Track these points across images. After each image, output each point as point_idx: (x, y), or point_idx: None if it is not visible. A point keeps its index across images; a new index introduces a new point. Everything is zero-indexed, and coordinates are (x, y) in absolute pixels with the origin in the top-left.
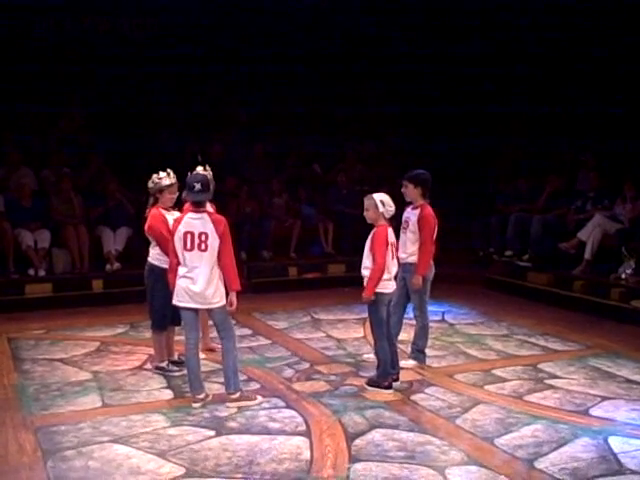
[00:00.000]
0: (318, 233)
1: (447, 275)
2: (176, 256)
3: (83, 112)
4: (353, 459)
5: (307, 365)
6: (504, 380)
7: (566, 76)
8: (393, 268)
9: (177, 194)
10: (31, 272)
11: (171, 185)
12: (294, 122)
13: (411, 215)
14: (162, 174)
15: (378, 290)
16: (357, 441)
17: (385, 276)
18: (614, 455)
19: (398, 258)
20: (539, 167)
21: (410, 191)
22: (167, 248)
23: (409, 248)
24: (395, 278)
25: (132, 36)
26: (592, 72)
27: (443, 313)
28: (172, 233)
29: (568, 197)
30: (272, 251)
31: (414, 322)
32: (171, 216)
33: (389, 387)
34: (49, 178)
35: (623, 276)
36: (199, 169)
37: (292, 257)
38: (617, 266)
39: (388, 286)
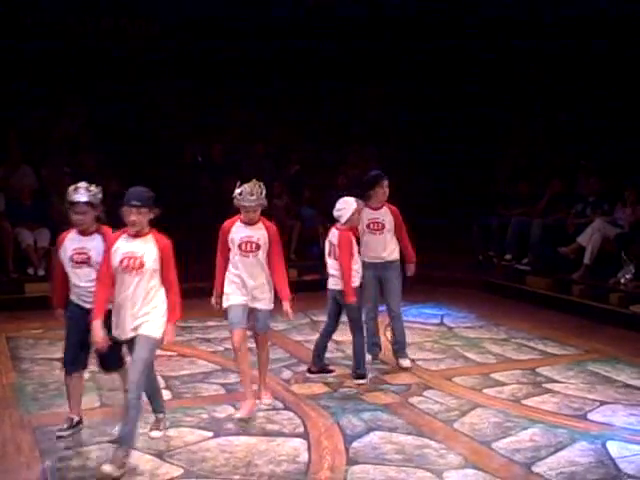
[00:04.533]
0: (318, 235)
1: (446, 278)
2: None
3: (84, 111)
4: (351, 461)
5: (305, 367)
6: (502, 384)
7: (568, 79)
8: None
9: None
10: (30, 271)
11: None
12: (295, 124)
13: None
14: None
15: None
16: (355, 443)
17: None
18: (612, 460)
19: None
20: (540, 171)
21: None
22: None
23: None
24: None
25: (134, 36)
26: (594, 75)
27: (442, 316)
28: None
29: (568, 201)
30: None
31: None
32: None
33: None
34: (50, 177)
35: (622, 281)
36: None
37: (292, 259)
38: (616, 271)
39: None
